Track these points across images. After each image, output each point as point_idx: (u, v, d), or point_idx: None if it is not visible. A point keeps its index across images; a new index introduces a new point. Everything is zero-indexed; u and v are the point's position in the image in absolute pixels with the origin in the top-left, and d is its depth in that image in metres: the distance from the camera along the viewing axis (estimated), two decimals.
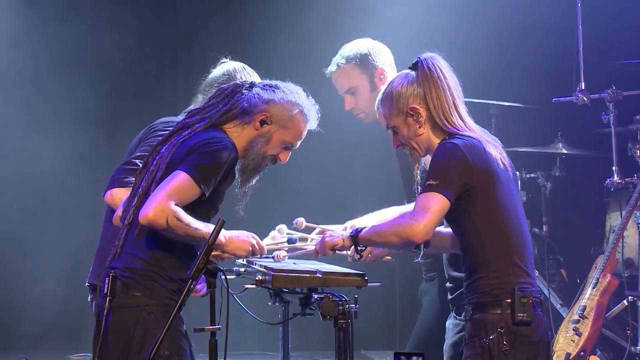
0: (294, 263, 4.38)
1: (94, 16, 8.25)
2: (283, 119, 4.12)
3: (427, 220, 3.82)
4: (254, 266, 4.28)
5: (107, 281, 3.96)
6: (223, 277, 3.72)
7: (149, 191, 3.98)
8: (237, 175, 4.14)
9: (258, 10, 8.35)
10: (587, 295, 6.30)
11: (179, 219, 3.84)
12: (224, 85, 4.22)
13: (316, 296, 3.95)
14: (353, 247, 4.05)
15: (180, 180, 3.89)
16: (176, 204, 3.86)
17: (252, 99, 4.12)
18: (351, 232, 4.04)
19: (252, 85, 4.18)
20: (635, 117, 6.74)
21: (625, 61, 6.93)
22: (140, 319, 3.92)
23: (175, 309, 3.60)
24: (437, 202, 3.83)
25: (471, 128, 4.01)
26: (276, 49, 8.04)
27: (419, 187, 4.25)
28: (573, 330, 6.20)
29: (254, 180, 4.19)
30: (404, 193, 5.02)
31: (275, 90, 4.15)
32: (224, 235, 3.98)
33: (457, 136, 3.96)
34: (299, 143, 4.21)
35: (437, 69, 4.02)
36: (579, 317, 6.24)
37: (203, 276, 3.63)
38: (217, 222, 3.63)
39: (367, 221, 4.75)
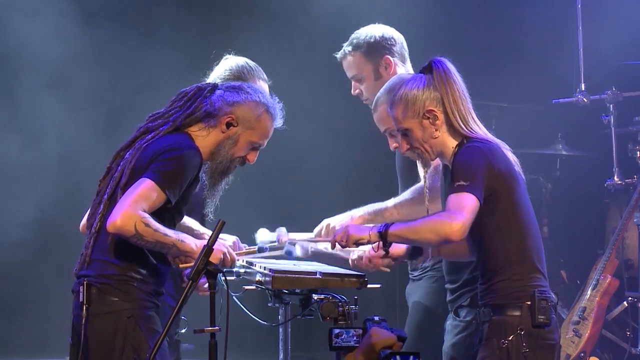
0: (294, 264, 4.37)
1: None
2: (249, 120, 4.08)
3: (465, 219, 3.79)
4: (254, 267, 4.27)
5: (81, 290, 3.90)
6: (223, 278, 3.70)
7: (114, 197, 3.94)
8: (204, 179, 4.09)
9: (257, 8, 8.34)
10: (587, 297, 6.30)
11: (147, 225, 3.80)
12: (186, 89, 4.15)
13: (316, 297, 3.95)
14: (380, 242, 3.96)
15: (145, 187, 3.84)
16: (144, 211, 3.82)
17: (216, 101, 4.07)
18: (380, 227, 3.94)
19: (214, 87, 4.14)
20: (635, 119, 6.75)
21: (626, 62, 6.93)
22: (119, 324, 3.88)
23: (175, 310, 3.58)
24: (471, 202, 3.81)
25: (485, 132, 4.02)
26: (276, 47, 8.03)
27: (427, 190, 4.25)
28: (573, 331, 6.21)
29: (223, 183, 4.16)
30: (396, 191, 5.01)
31: (239, 91, 4.11)
32: (195, 243, 3.94)
33: (476, 140, 3.96)
34: (266, 142, 4.17)
35: (451, 72, 4.01)
36: (579, 318, 6.25)
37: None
38: (217, 222, 3.61)
39: (344, 219, 4.75)
